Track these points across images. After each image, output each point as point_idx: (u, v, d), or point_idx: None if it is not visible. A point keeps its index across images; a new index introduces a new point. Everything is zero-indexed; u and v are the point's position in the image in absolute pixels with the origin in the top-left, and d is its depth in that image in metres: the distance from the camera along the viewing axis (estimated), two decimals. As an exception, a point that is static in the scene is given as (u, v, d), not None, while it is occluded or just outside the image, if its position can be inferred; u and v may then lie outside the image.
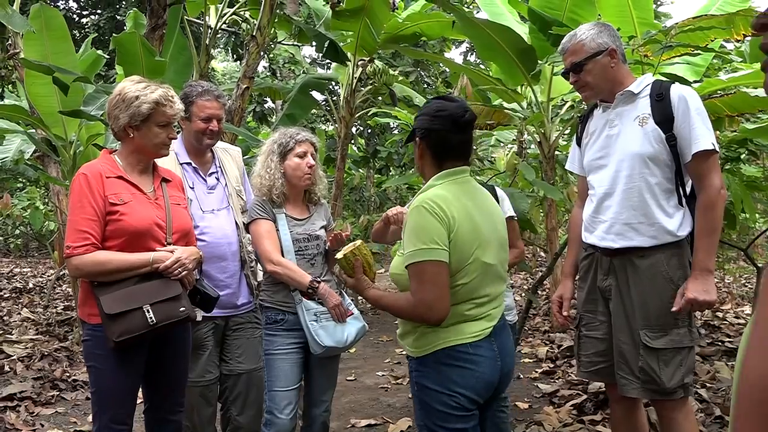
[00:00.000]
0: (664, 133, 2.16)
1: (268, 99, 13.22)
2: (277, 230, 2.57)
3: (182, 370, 2.34)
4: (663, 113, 2.16)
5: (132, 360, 2.13)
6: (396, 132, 11.91)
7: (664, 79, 2.51)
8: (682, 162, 2.18)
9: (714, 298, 2.10)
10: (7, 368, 4.77)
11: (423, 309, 1.79)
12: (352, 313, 2.60)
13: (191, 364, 2.47)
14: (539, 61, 5.29)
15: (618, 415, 2.46)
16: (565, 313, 2.45)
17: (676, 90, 2.19)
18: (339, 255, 2.10)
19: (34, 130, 6.09)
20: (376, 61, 8.17)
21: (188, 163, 2.71)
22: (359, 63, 7.82)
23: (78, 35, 13.20)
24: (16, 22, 3.88)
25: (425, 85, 12.03)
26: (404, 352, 2.05)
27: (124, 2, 14.30)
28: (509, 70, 5.61)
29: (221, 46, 14.87)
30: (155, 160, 2.32)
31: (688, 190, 2.23)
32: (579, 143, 2.50)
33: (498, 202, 2.71)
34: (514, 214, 2.77)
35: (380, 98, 9.22)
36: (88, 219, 2.04)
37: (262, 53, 6.07)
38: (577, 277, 2.51)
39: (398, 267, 1.91)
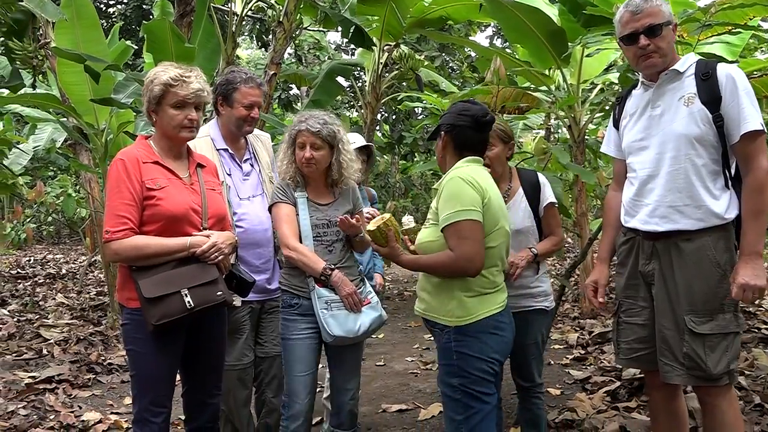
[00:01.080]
0: (710, 113, 2.08)
1: (293, 85, 13.19)
2: (297, 215, 2.53)
3: (219, 353, 2.36)
4: (710, 93, 2.09)
5: (171, 343, 2.14)
6: (421, 117, 11.82)
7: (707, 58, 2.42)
8: (729, 143, 2.10)
9: (765, 282, 2.03)
10: (45, 351, 4.89)
11: (464, 262, 2.03)
12: (369, 302, 2.54)
13: (228, 348, 2.49)
14: (570, 44, 5.18)
15: (657, 402, 2.41)
16: (600, 299, 2.39)
17: (723, 69, 2.11)
18: (371, 226, 2.25)
19: (65, 119, 6.18)
20: (402, 46, 8.08)
21: (225, 149, 2.72)
22: (385, 48, 7.73)
23: (105, 25, 13.33)
24: (49, 11, 3.92)
25: (450, 71, 11.89)
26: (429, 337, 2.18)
27: (150, -9, 14.38)
28: (538, 52, 5.50)
29: (246, 34, 14.89)
30: (189, 144, 2.31)
31: (733, 171, 2.16)
32: (616, 125, 2.42)
33: (539, 188, 2.65)
34: (555, 201, 2.71)
35: (405, 84, 9.15)
36: (126, 204, 2.05)
37: (288, 39, 6.04)
38: (614, 262, 2.45)
39: (429, 235, 2.15)
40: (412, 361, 4.98)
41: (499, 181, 2.59)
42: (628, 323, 2.35)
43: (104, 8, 15.17)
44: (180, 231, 2.12)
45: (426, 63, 9.22)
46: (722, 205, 2.12)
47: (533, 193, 2.67)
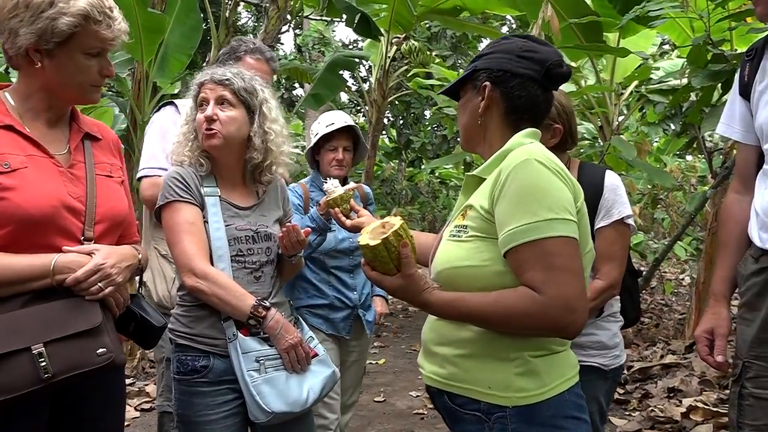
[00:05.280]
0: None
1: (297, 85, 12.61)
2: (206, 222, 1.70)
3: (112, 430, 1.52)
4: None
5: (19, 427, 1.31)
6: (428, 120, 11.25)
7: None
8: None
9: None
10: None
11: (560, 311, 1.17)
12: (317, 354, 1.75)
13: None
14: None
15: None
16: (720, 358, 1.58)
17: None
18: (367, 240, 1.25)
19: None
20: (412, 40, 7.54)
21: None
22: (393, 40, 7.32)
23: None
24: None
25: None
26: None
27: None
28: (567, 42, 4.85)
29: (250, 31, 14.33)
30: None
31: None
32: (745, 93, 1.63)
33: (601, 192, 1.82)
34: (630, 214, 1.82)
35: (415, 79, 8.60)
36: None
37: (282, 19, 5.40)
38: (737, 302, 1.65)
39: (469, 256, 1.26)
40: (417, 396, 4.25)
41: None
42: (759, 398, 1.53)
43: None
44: (43, 243, 1.31)
45: (437, 61, 8.68)
46: None
47: (590, 201, 1.82)
